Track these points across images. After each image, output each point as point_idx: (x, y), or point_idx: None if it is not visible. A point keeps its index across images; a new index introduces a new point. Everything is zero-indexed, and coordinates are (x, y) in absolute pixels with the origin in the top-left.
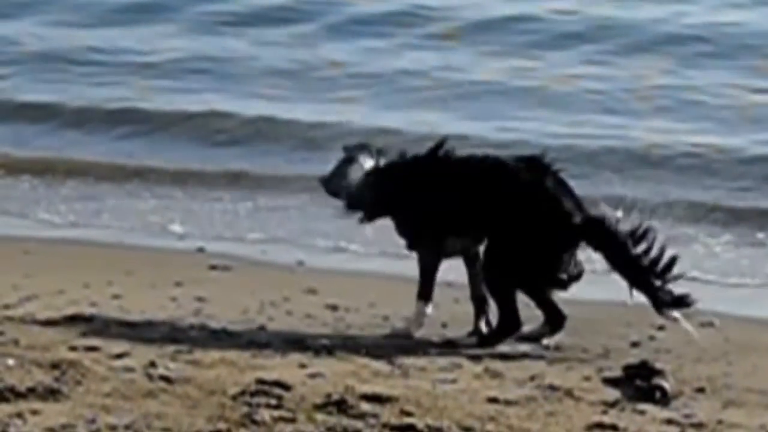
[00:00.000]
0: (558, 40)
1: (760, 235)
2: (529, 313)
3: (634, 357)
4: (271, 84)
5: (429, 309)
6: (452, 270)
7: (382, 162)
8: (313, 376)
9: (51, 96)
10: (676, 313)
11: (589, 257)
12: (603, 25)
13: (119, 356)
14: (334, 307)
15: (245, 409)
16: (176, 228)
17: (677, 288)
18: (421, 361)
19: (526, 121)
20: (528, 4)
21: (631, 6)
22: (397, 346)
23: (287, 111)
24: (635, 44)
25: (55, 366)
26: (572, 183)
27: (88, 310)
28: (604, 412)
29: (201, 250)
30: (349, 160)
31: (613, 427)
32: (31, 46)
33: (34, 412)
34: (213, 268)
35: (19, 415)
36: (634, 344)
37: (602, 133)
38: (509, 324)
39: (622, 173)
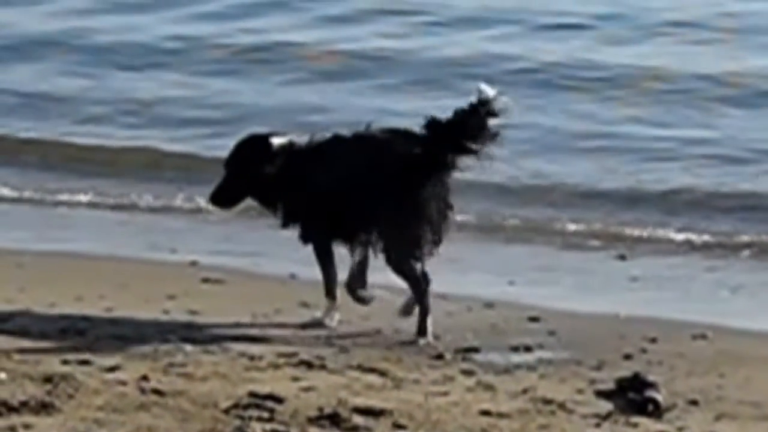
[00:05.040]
0: None
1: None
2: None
3: (626, 369)
4: None
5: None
6: (446, 282)
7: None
8: (305, 389)
9: None
10: None
11: (581, 269)
12: None
13: (111, 369)
14: None
15: (238, 422)
16: (169, 241)
17: None
18: (413, 374)
19: None
20: None
21: None
22: (389, 359)
23: None
24: None
25: (47, 379)
26: None
27: (80, 324)
28: (597, 425)
29: (194, 263)
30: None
31: None
32: None
33: (27, 426)
34: (206, 281)
35: (12, 429)
36: (627, 357)
37: None
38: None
39: None
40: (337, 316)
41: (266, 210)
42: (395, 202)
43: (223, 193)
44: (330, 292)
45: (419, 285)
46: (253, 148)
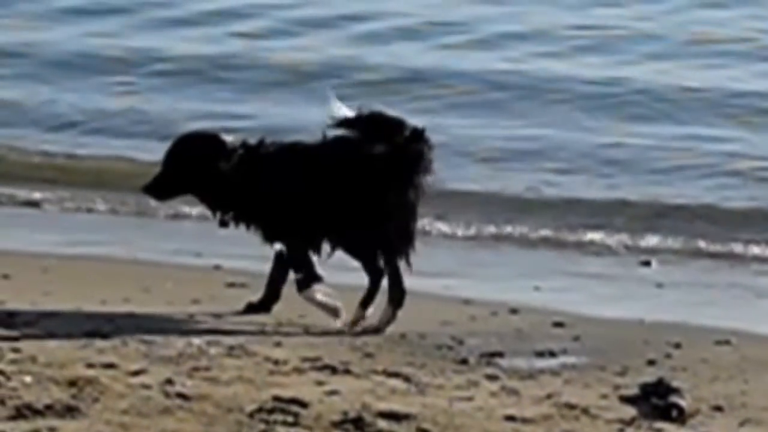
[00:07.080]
0: None
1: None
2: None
3: (650, 375)
4: None
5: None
6: (471, 287)
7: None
8: (330, 393)
9: None
10: None
11: (606, 275)
12: None
13: (136, 373)
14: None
15: (262, 426)
16: (193, 246)
17: None
18: (437, 379)
19: None
20: None
21: None
22: (414, 363)
23: None
24: None
25: (72, 383)
26: None
27: (105, 327)
28: (621, 431)
29: (218, 267)
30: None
31: None
32: None
33: (52, 430)
34: (230, 285)
35: None
36: (651, 362)
37: None
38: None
39: None
40: (343, 311)
41: (206, 207)
42: (370, 200)
43: (162, 186)
44: (317, 280)
45: (377, 271)
46: (204, 144)
